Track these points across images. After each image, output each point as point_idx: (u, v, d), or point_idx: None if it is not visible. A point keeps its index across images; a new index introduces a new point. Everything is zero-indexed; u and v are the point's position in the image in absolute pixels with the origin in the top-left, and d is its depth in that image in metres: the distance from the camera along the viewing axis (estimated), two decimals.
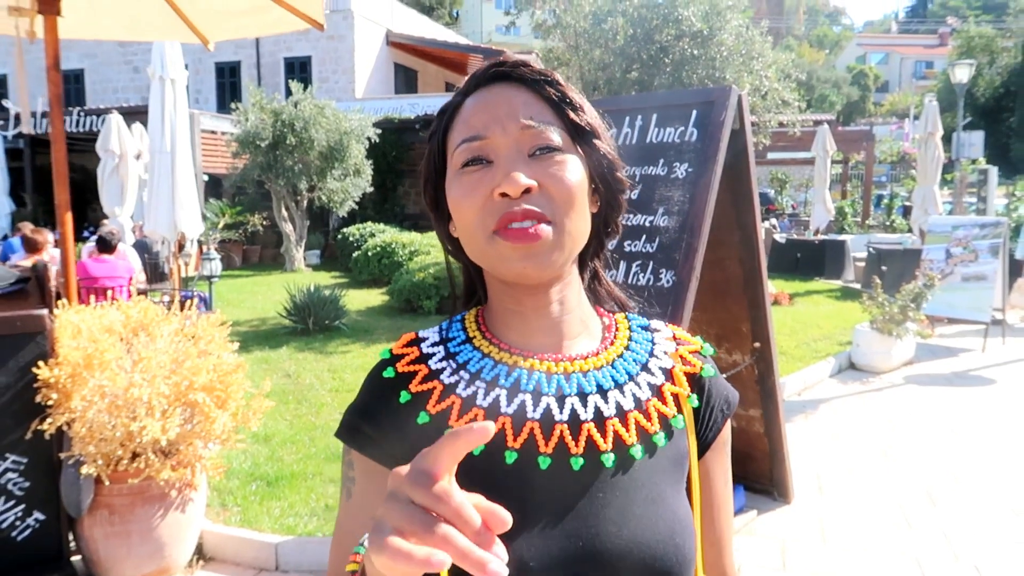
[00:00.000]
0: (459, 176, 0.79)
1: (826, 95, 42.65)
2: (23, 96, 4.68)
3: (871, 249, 11.67)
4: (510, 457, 0.76)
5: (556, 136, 0.78)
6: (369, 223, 15.39)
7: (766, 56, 10.57)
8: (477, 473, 0.72)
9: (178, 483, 3.18)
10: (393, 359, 0.85)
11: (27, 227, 7.23)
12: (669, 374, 0.84)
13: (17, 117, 16.86)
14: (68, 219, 3.58)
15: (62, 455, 3.04)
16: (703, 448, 0.85)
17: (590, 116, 0.82)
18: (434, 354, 0.84)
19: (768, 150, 15.70)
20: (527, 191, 0.75)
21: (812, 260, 13.42)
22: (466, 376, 0.81)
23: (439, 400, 0.80)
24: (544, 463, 0.76)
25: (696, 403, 0.84)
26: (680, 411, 0.83)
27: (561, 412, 0.78)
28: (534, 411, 0.78)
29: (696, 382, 0.85)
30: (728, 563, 0.90)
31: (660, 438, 0.80)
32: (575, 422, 0.78)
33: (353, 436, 0.82)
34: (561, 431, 0.77)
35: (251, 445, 4.62)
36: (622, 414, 0.79)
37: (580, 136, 0.80)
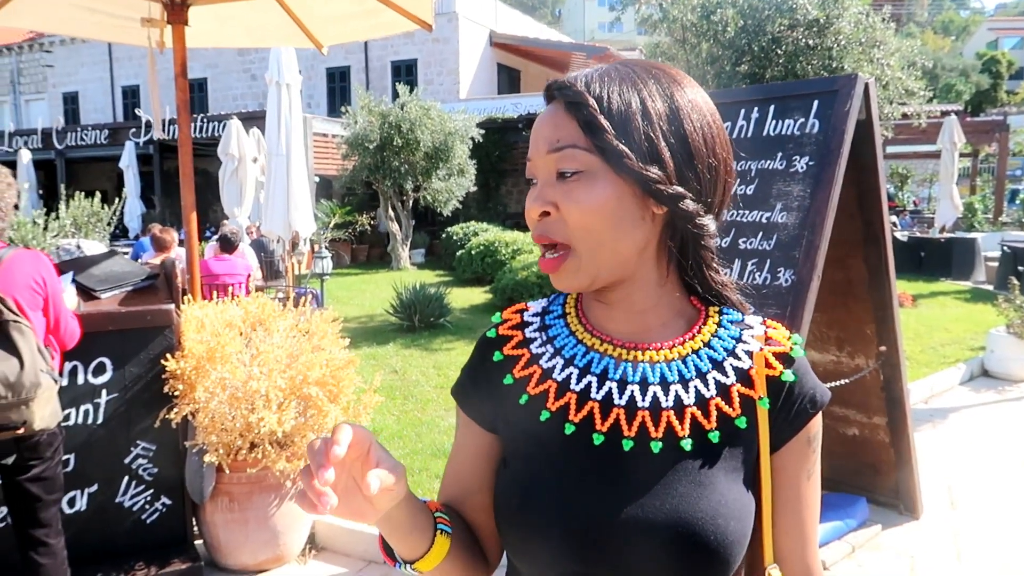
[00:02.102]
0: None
1: (952, 84, 39.98)
2: (155, 103, 4.97)
3: (1005, 248, 10.83)
4: (568, 429, 0.85)
5: (578, 159, 0.81)
6: (472, 222, 15.57)
7: (888, 44, 9.96)
8: (543, 438, 0.86)
9: (293, 474, 3.27)
10: (500, 323, 0.95)
11: (156, 227, 7.69)
12: (745, 375, 0.86)
13: (148, 124, 18.08)
14: (193, 219, 3.76)
15: (187, 443, 3.19)
16: (779, 444, 0.87)
17: (625, 135, 0.80)
18: (532, 323, 0.94)
19: (888, 143, 14.84)
20: (546, 214, 0.83)
21: (938, 259, 12.59)
22: (550, 350, 0.90)
23: (524, 367, 0.90)
24: (598, 440, 0.84)
25: (768, 406, 0.85)
26: (747, 412, 0.85)
27: (620, 397, 0.84)
28: (597, 392, 0.85)
29: (774, 385, 0.86)
30: (812, 556, 0.91)
31: (715, 435, 0.83)
32: (631, 408, 0.84)
33: (457, 391, 0.96)
34: (618, 414, 0.84)
35: None
36: (680, 408, 0.83)
37: (610, 158, 0.80)
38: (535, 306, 0.96)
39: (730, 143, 0.88)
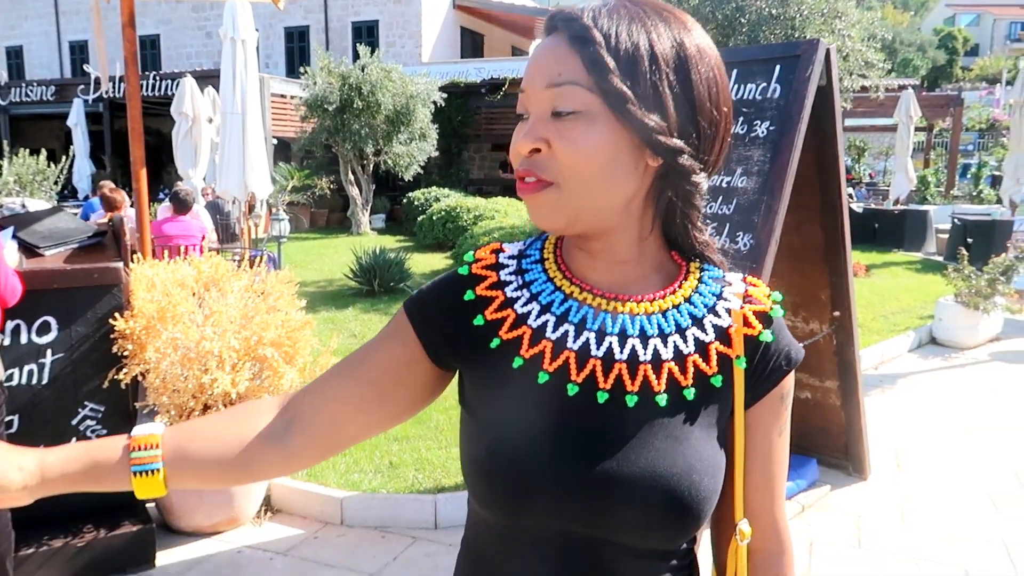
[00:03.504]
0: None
1: (910, 59, 40.58)
2: (102, 56, 4.77)
3: (956, 220, 11.10)
4: (542, 377, 0.82)
5: (578, 98, 0.76)
6: (434, 188, 15.42)
7: (850, 15, 10.02)
8: (516, 387, 0.83)
9: None
10: (474, 260, 0.90)
11: (107, 186, 7.46)
12: (724, 333, 0.84)
13: (98, 82, 17.43)
14: (143, 175, 3.65)
15: (137, 404, 3.11)
16: (752, 401, 0.86)
17: (631, 78, 0.76)
18: (507, 265, 0.89)
19: (847, 116, 15.01)
20: (536, 150, 0.78)
21: (891, 231, 12.85)
22: (526, 295, 0.86)
23: (497, 310, 0.86)
24: (572, 390, 0.81)
25: (745, 365, 0.84)
26: (723, 371, 0.84)
27: (597, 349, 0.82)
28: (573, 342, 0.82)
29: (752, 345, 0.85)
30: (779, 511, 0.92)
31: (691, 392, 0.82)
32: (609, 360, 0.82)
33: (415, 308, 0.90)
34: (593, 365, 0.81)
35: None
36: (657, 362, 0.82)
37: (612, 101, 0.76)
38: (511, 248, 0.91)
39: (732, 100, 0.84)
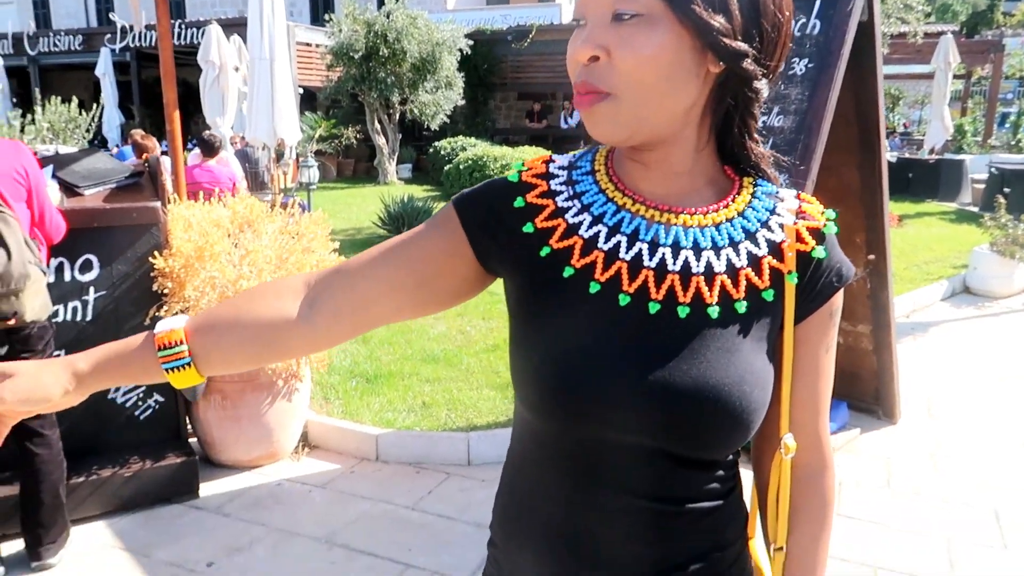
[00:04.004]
0: (573, 31, 0.81)
1: (949, 4, 39.12)
2: (135, 2, 4.76)
3: (993, 169, 10.81)
4: (593, 288, 0.82)
5: (639, 0, 0.74)
6: (460, 137, 15.31)
7: None
8: (565, 295, 0.83)
9: (284, 373, 3.30)
10: (525, 168, 0.89)
11: (137, 134, 7.51)
12: (777, 248, 0.84)
13: (124, 30, 17.40)
14: (176, 117, 3.67)
15: None
16: (802, 316, 0.86)
17: None
18: (558, 176, 0.88)
19: (883, 63, 14.60)
20: (595, 59, 0.76)
21: (925, 181, 12.57)
22: (577, 205, 0.85)
23: (548, 219, 0.85)
24: (624, 300, 0.81)
25: (796, 281, 0.84)
26: (775, 285, 0.83)
27: (650, 260, 0.82)
28: (626, 253, 0.82)
29: (804, 260, 0.84)
30: (823, 428, 0.92)
31: (742, 305, 0.82)
32: (662, 271, 0.81)
33: (465, 205, 0.89)
34: (646, 276, 0.81)
35: (350, 345, 4.77)
36: (710, 274, 0.81)
37: (676, 1, 0.74)
38: (561, 159, 0.90)
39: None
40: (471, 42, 15.29)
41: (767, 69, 0.81)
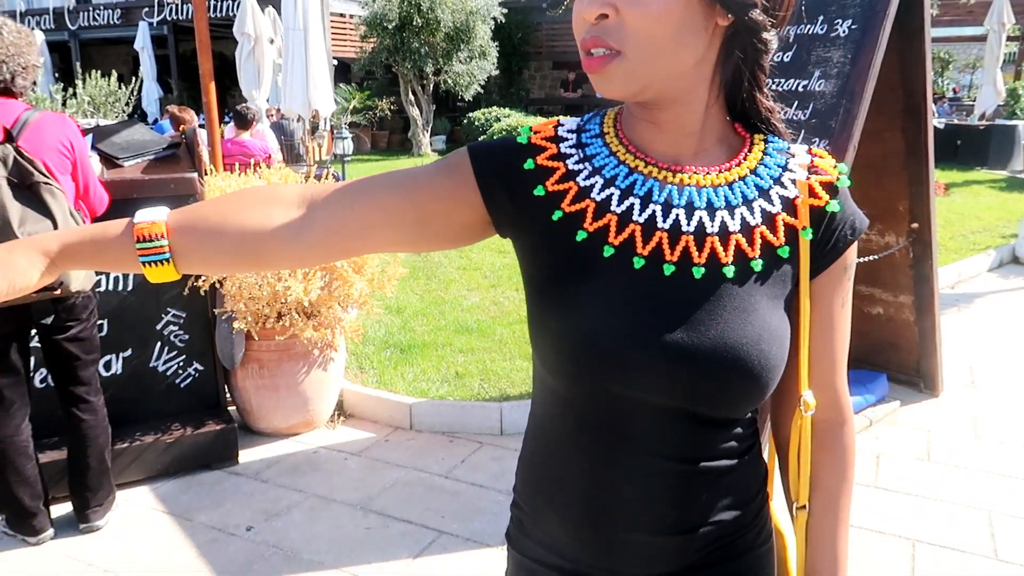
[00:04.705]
0: None
1: None
2: None
3: None
4: (608, 251, 0.82)
5: None
6: (494, 108, 15.22)
7: None
8: (579, 258, 0.83)
9: (320, 343, 3.34)
10: (533, 132, 0.88)
11: (174, 107, 7.59)
12: (791, 204, 0.84)
13: (160, 3, 17.54)
14: (212, 88, 3.69)
15: (216, 311, 3.24)
16: (818, 271, 0.86)
17: None
18: (567, 139, 0.87)
19: (932, 25, 14.09)
20: (603, 16, 0.75)
21: (975, 148, 12.17)
22: (588, 168, 0.85)
23: (558, 181, 0.84)
24: (639, 263, 0.81)
25: (810, 236, 0.84)
26: (790, 241, 0.83)
27: (664, 221, 0.81)
28: (639, 215, 0.82)
29: (818, 215, 0.84)
30: (841, 383, 0.92)
31: (758, 263, 0.82)
32: (675, 232, 0.81)
33: (480, 156, 0.86)
34: (660, 238, 0.81)
35: (385, 315, 4.81)
36: (724, 234, 0.81)
37: None
38: (569, 123, 0.89)
39: None
40: (505, 10, 15.12)
41: (775, 20, 0.80)
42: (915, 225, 3.53)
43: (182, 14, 17.45)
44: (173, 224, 0.83)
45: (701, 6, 0.75)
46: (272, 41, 10.43)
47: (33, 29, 17.45)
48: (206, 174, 3.33)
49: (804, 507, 0.94)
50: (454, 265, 6.21)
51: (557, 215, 0.84)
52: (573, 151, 0.86)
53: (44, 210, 2.36)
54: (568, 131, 0.88)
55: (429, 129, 15.67)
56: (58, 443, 2.86)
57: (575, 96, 17.90)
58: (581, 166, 0.85)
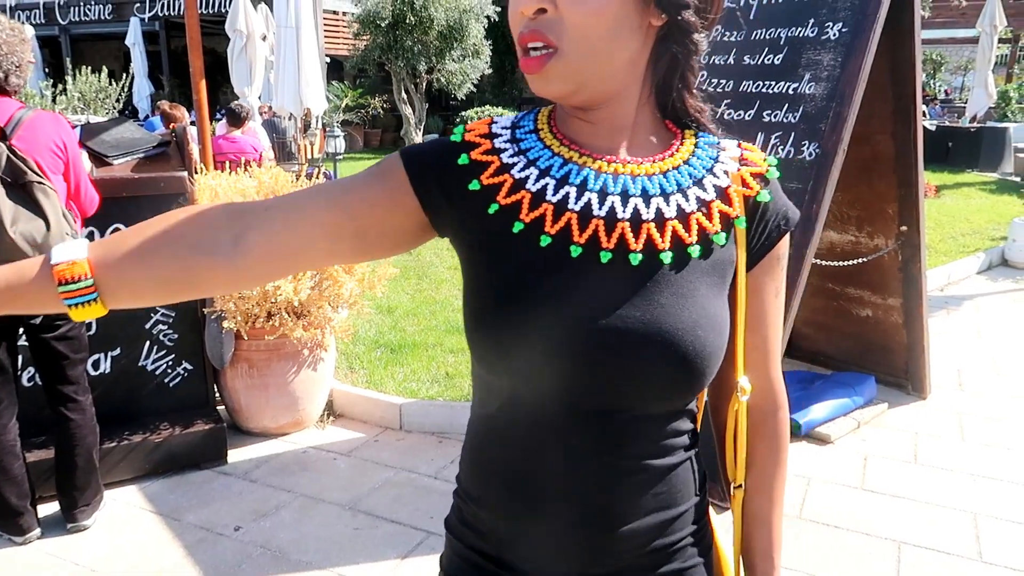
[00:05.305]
0: None
1: None
2: None
3: None
4: (544, 240, 0.81)
5: None
6: (487, 106, 15.21)
7: None
8: (518, 251, 0.82)
9: (310, 343, 3.33)
10: (466, 130, 0.88)
11: (165, 104, 7.56)
12: (724, 193, 0.85)
13: None
14: (203, 86, 3.68)
15: (205, 310, 3.23)
16: (753, 262, 0.88)
17: None
18: (501, 135, 0.87)
19: (923, 27, 14.15)
20: (542, 11, 0.75)
21: (965, 150, 12.25)
22: (523, 161, 0.85)
23: (493, 175, 0.84)
24: (575, 252, 0.81)
25: (744, 225, 0.86)
26: (725, 229, 0.85)
27: (600, 208, 0.81)
28: (575, 203, 0.82)
29: (751, 206, 0.87)
30: (774, 369, 0.95)
31: (695, 250, 0.83)
32: (611, 220, 0.81)
33: (412, 158, 0.86)
34: (596, 225, 0.81)
35: (375, 315, 4.80)
36: (660, 220, 0.82)
37: None
38: (503, 120, 0.90)
39: None
40: (498, 9, 15.08)
41: (706, 22, 0.82)
42: (904, 228, 3.54)
43: (174, 10, 17.37)
44: (96, 260, 0.79)
45: (636, 5, 0.77)
46: (264, 38, 10.40)
47: (24, 24, 17.35)
48: (196, 172, 3.32)
49: (740, 486, 0.96)
50: (445, 265, 6.21)
51: (493, 208, 0.83)
52: (507, 145, 0.86)
53: (37, 209, 2.36)
54: (502, 128, 0.88)
55: (422, 127, 15.64)
56: (45, 442, 2.85)
57: None
58: (516, 159, 0.85)
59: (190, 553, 2.63)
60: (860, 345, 3.97)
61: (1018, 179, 10.80)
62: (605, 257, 0.81)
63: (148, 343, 3.20)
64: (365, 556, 2.61)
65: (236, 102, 6.97)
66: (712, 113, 0.90)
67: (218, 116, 13.21)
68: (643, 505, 0.85)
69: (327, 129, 9.67)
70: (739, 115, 3.25)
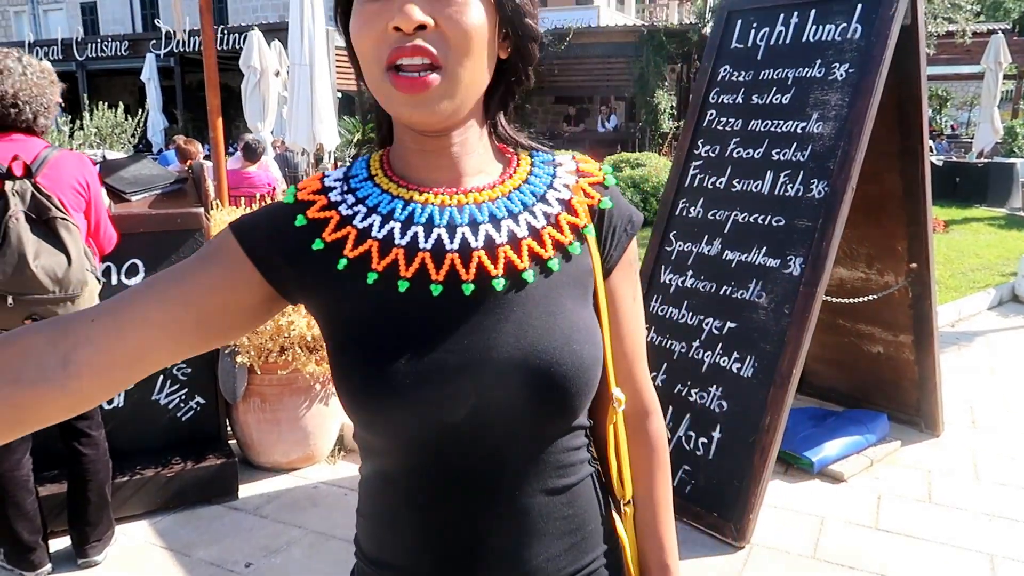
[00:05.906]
0: (361, 6, 0.76)
1: (1000, 2, 38.13)
2: (177, 8, 4.88)
3: None
4: (402, 286, 0.79)
5: None
6: None
7: None
8: (372, 301, 0.80)
9: (322, 377, 3.35)
10: (297, 190, 0.86)
11: (180, 139, 7.69)
12: (568, 205, 0.87)
13: (168, 36, 17.80)
14: (219, 124, 3.75)
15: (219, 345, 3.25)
16: (608, 270, 0.90)
17: None
18: (335, 187, 0.85)
19: (929, 63, 14.26)
20: (421, 27, 0.73)
21: (973, 185, 12.25)
22: (363, 210, 0.83)
23: (335, 229, 0.82)
24: (436, 290, 0.79)
25: (593, 233, 0.87)
26: (578, 239, 0.86)
27: (452, 242, 0.80)
28: (425, 242, 0.80)
29: (596, 214, 0.88)
30: (641, 373, 0.95)
31: (555, 263, 0.83)
32: (465, 250, 0.80)
33: (245, 229, 0.83)
34: (452, 259, 0.79)
35: None
36: (515, 241, 0.82)
37: None
38: (334, 173, 0.88)
39: None
40: None
41: (537, 56, 0.85)
42: (914, 265, 3.55)
43: (189, 46, 17.70)
44: None
45: (493, 33, 0.78)
46: (278, 74, 10.57)
47: (41, 59, 17.71)
48: (212, 208, 3.37)
49: (630, 503, 0.95)
50: None
51: (342, 263, 0.81)
52: (343, 197, 0.84)
53: (59, 244, 2.40)
54: (335, 180, 0.86)
55: None
56: (58, 476, 2.86)
57: (577, 130, 18.08)
58: (355, 209, 0.83)
59: None
60: (871, 382, 3.95)
61: None
62: (468, 289, 0.79)
63: (162, 377, 3.22)
64: None
65: (252, 137, 7.06)
66: (529, 136, 0.92)
67: (231, 151, 13.40)
68: (551, 531, 0.85)
69: (339, 163, 9.79)
70: (748, 153, 3.29)
